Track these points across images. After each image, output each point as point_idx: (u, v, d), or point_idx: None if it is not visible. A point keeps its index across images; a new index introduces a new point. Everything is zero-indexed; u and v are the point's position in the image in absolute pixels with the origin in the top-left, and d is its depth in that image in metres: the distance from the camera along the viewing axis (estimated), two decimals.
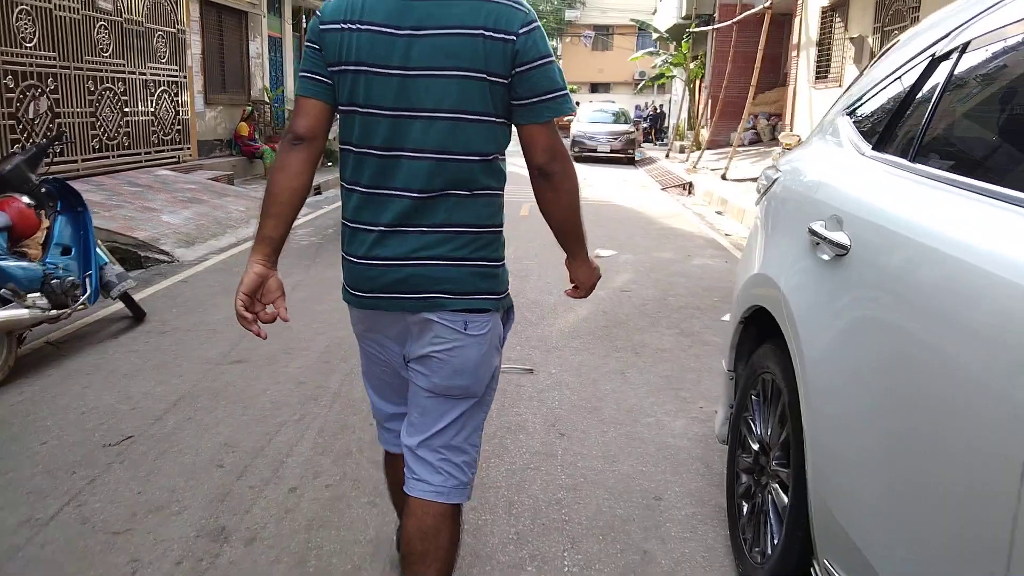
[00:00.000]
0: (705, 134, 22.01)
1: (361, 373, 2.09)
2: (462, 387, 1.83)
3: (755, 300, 2.52)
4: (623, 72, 40.16)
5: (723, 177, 15.05)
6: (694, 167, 17.63)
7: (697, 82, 23.91)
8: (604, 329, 5.19)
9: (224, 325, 5.10)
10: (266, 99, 14.94)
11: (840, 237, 1.92)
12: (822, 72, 12.96)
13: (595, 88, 43.00)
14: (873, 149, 2.14)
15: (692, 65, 22.84)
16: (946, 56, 1.94)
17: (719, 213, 11.90)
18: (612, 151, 21.21)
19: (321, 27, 1.73)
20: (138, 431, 3.52)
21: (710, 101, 21.55)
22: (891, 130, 2.10)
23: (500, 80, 1.68)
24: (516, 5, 1.68)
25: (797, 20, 14.30)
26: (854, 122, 2.40)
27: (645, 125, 30.09)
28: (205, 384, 4.10)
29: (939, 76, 1.93)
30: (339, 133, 1.83)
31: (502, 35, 1.65)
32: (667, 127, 30.81)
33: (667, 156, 22.32)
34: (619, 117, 22.69)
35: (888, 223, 1.78)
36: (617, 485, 3.05)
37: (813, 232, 2.08)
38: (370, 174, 1.76)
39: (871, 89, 2.36)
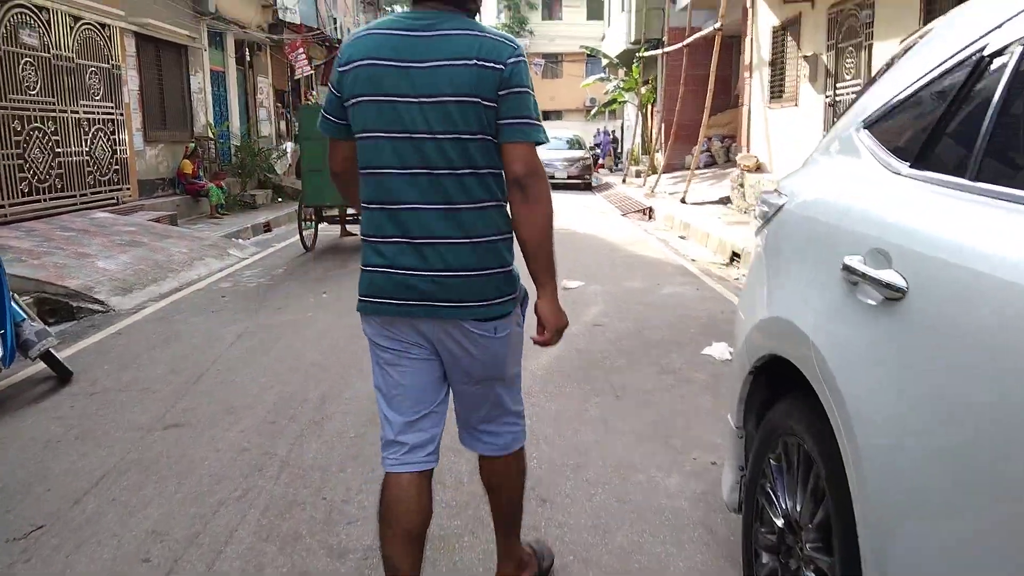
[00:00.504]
0: (660, 158, 22.00)
1: (373, 387, 2.13)
2: (496, 376, 2.09)
3: (770, 349, 2.15)
4: (574, 99, 40.32)
5: (682, 201, 14.90)
6: (652, 191, 17.50)
7: (649, 106, 23.95)
8: (580, 370, 4.80)
9: (161, 382, 4.60)
10: (210, 135, 14.39)
11: (891, 276, 1.57)
12: (776, 92, 12.92)
13: (547, 116, 43.07)
14: (912, 167, 1.79)
15: (643, 90, 22.86)
16: (1001, 51, 1.61)
17: (682, 238, 11.68)
18: (569, 177, 21.03)
19: (340, 70, 1.96)
20: (52, 518, 3.02)
21: (663, 125, 21.56)
22: (934, 144, 1.76)
23: (489, 103, 1.88)
24: (506, 40, 1.93)
25: (748, 40, 14.29)
26: (877, 136, 2.06)
27: (603, 150, 30.00)
28: (134, 455, 3.60)
29: (995, 76, 1.60)
30: (358, 158, 2.00)
31: (492, 64, 1.88)
32: (621, 152, 30.85)
33: (624, 181, 22.22)
34: (573, 144, 22.56)
35: (958, 257, 1.43)
36: (612, 563, 2.64)
37: (850, 269, 1.72)
38: (389, 192, 1.94)
39: (895, 98, 2.03)
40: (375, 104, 1.91)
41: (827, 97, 10.79)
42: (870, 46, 9.55)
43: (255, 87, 17.48)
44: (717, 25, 14.60)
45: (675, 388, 4.49)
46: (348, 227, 10.64)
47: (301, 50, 18.32)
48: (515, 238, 2.02)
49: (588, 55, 37.62)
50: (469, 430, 2.22)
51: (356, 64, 1.93)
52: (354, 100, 1.94)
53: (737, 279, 8.27)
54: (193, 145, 13.20)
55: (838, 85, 10.52)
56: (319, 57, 21.22)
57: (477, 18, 2.05)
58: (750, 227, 10.80)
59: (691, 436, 3.76)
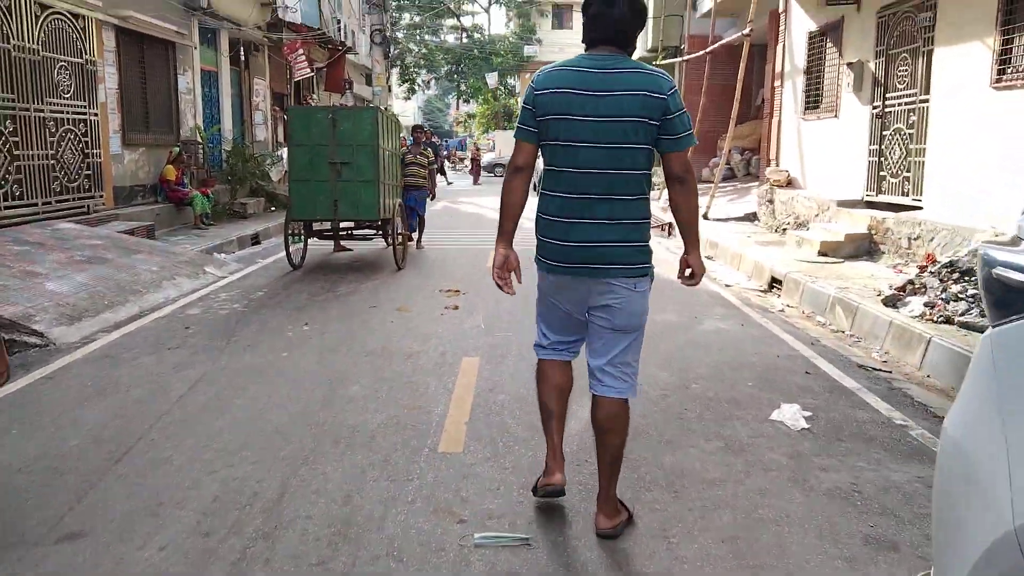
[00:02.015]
0: None
1: (536, 315, 3.08)
2: (634, 325, 2.85)
3: None
4: None
5: (704, 216, 13.83)
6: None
7: None
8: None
9: (75, 458, 3.52)
10: (198, 139, 13.37)
11: None
12: (812, 102, 11.88)
13: None
14: None
15: None
16: None
17: (709, 258, 10.60)
18: None
19: (536, 93, 2.76)
20: None
21: None
22: None
23: (654, 123, 2.69)
24: (664, 76, 2.73)
25: (779, 47, 13.27)
26: None
27: None
28: None
29: None
30: (546, 158, 2.81)
31: (657, 95, 2.67)
32: None
33: None
34: None
35: None
36: None
37: None
38: (568, 184, 2.76)
39: None
40: (563, 121, 2.72)
41: (874, 108, 9.74)
42: (929, 52, 8.50)
43: (251, 89, 16.47)
44: (746, 31, 13.58)
45: (749, 477, 3.41)
46: (343, 242, 9.60)
47: (301, 51, 17.33)
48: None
49: None
50: (599, 374, 2.87)
51: (553, 91, 2.72)
52: (548, 117, 2.74)
53: (782, 310, 7.20)
54: (178, 149, 12.16)
55: (887, 95, 9.47)
56: (320, 59, 20.23)
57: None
58: (786, 248, 9.74)
59: (790, 563, 2.68)
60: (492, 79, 39.26)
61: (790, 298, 7.76)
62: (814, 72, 11.89)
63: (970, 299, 5.98)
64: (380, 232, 9.02)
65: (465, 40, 44.89)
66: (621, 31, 2.71)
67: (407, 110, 62.83)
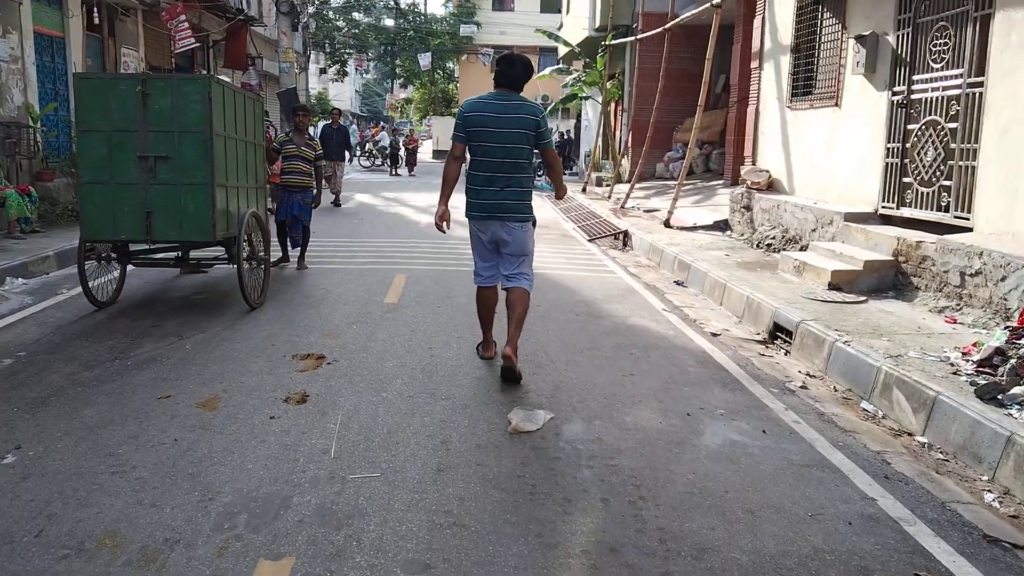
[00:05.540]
0: (626, 164, 18.68)
1: (473, 257, 4.89)
2: (524, 251, 4.77)
3: None
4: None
5: (666, 224, 11.51)
6: (621, 207, 14.09)
7: (613, 104, 20.56)
8: None
9: None
10: (30, 121, 10.43)
11: None
12: (802, 88, 9.62)
13: None
14: None
15: (609, 85, 19.44)
16: None
17: (680, 284, 8.24)
18: None
19: (465, 114, 4.65)
20: None
21: (631, 126, 18.22)
22: None
23: (532, 133, 4.64)
24: (538, 106, 4.80)
25: (758, 20, 10.96)
26: None
27: None
28: None
29: None
30: (472, 154, 4.70)
31: (534, 117, 4.64)
32: (576, 155, 27.44)
33: (584, 191, 18.79)
34: None
35: None
36: None
37: None
38: (484, 168, 4.64)
39: None
40: (484, 132, 4.59)
41: (895, 94, 7.47)
42: (985, 19, 6.25)
43: (118, 61, 13.47)
44: (716, 1, 11.26)
45: None
46: (201, 264, 6.85)
47: (183, 18, 14.38)
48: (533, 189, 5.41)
49: (540, 50, 34.33)
50: (510, 279, 4.78)
51: (474, 113, 4.61)
52: (472, 128, 4.61)
53: (804, 387, 4.85)
54: None
55: (915, 76, 7.21)
56: (213, 30, 17.21)
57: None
58: (781, 277, 7.42)
59: None
60: (425, 60, 36.36)
61: (807, 360, 5.42)
62: (804, 50, 9.60)
63: None
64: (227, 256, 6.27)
65: (399, 21, 41.80)
66: (516, 80, 4.70)
67: (342, 94, 59.20)
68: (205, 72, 16.58)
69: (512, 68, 4.66)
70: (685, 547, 2.82)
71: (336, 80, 44.19)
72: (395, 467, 3.36)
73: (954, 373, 4.45)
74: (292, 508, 2.97)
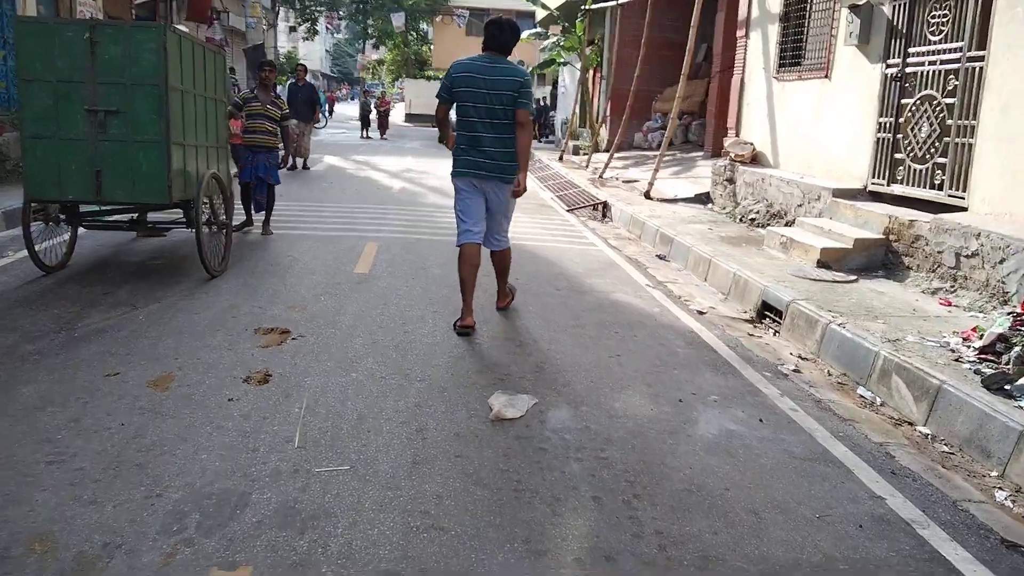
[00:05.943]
0: (604, 133, 18.30)
1: (457, 214, 4.98)
2: (505, 209, 5.05)
3: None
4: None
5: (647, 195, 11.22)
6: (600, 177, 13.76)
7: (592, 71, 20.12)
8: None
9: None
10: None
11: None
12: (790, 58, 9.33)
13: None
14: None
15: (588, 51, 18.98)
16: None
17: (662, 258, 7.98)
18: None
19: (454, 75, 4.80)
20: None
21: (610, 94, 17.82)
22: None
23: (514, 93, 4.74)
24: (521, 68, 4.94)
25: None
26: None
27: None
28: None
29: None
30: (456, 114, 4.88)
31: (517, 78, 4.77)
32: (552, 123, 26.96)
33: (561, 159, 18.42)
34: None
35: None
36: None
37: None
38: (470, 128, 4.81)
39: None
40: (470, 92, 4.73)
41: (888, 67, 7.21)
42: None
43: (73, 8, 12.74)
44: None
45: None
46: (158, 225, 6.39)
47: None
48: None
49: (518, 12, 33.56)
50: (493, 239, 5.09)
51: (462, 74, 4.75)
52: (459, 89, 4.76)
53: (797, 370, 4.62)
54: None
55: (911, 49, 6.95)
56: None
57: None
58: (768, 253, 7.19)
59: None
60: (398, 20, 35.40)
61: (798, 341, 5.19)
62: (794, 19, 9.30)
63: None
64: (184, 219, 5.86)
65: None
66: (505, 44, 4.84)
67: (312, 54, 57.72)
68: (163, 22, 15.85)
69: (501, 32, 4.83)
70: (687, 555, 2.56)
71: (306, 39, 42.94)
72: (366, 459, 3.06)
73: (956, 360, 4.24)
74: (250, 507, 2.65)
